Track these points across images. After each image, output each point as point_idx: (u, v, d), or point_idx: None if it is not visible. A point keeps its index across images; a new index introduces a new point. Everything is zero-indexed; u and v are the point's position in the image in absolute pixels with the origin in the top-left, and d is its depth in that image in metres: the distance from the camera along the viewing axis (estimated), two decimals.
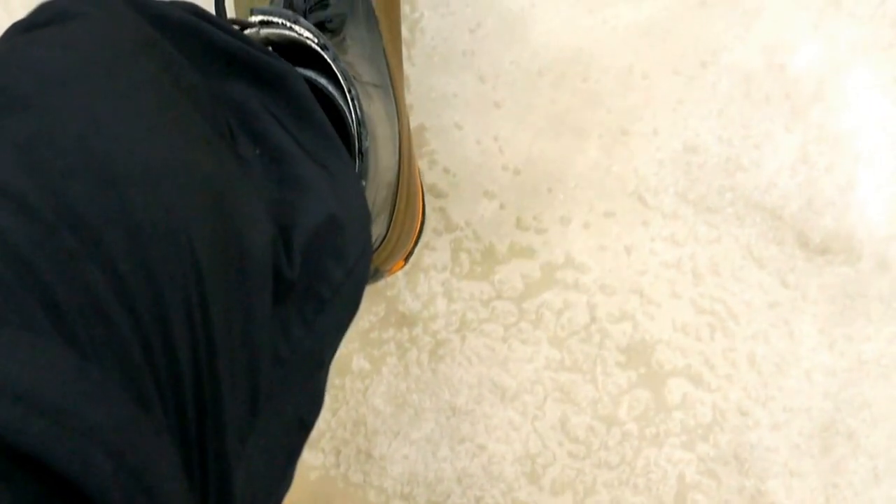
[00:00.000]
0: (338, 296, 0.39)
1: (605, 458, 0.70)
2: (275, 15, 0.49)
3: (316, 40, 0.49)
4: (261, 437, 0.34)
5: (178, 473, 0.28)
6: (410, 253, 0.67)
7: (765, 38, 0.65)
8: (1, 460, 0.24)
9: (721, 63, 0.66)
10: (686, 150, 0.67)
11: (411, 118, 0.69)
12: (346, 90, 0.49)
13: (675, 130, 0.67)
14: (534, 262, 0.70)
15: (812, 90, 0.65)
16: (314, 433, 0.75)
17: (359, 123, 0.49)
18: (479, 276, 0.71)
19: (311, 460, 0.75)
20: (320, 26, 0.54)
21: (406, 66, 0.69)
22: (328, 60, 0.49)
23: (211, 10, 0.45)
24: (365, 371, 0.73)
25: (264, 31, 0.49)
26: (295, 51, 0.50)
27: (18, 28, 0.34)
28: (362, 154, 0.50)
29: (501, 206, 0.70)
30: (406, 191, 0.60)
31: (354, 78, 0.52)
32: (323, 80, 0.52)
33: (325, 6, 0.55)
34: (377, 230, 0.55)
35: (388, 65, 0.59)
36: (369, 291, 0.73)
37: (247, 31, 0.48)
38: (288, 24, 0.49)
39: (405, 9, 0.69)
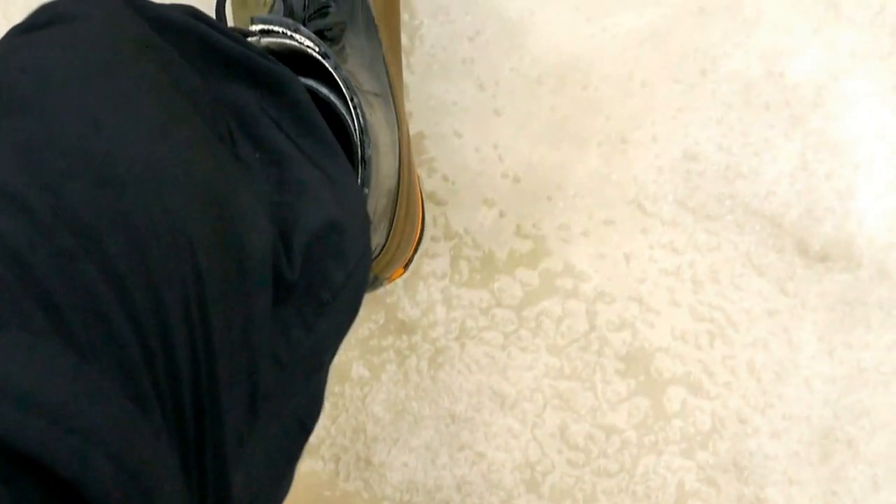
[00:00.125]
0: (338, 298, 0.39)
1: (604, 465, 0.70)
2: (275, 24, 0.49)
3: (317, 49, 0.49)
4: (260, 438, 0.34)
5: (177, 474, 0.28)
6: (410, 260, 0.67)
7: (764, 45, 0.65)
8: (0, 461, 0.24)
9: (721, 70, 0.66)
10: (685, 158, 0.67)
11: (411, 126, 0.69)
12: (348, 99, 0.49)
13: (674, 138, 0.67)
14: (533, 269, 0.70)
15: (811, 98, 0.65)
16: (313, 440, 0.75)
17: (361, 132, 0.49)
18: (479, 284, 0.71)
19: (311, 467, 0.74)
20: (320, 34, 0.54)
21: (405, 73, 0.69)
22: (329, 69, 0.49)
23: (211, 14, 0.45)
24: (364, 378, 0.73)
25: (265, 41, 0.49)
26: (296, 60, 0.50)
27: (18, 29, 0.34)
28: (365, 162, 0.49)
29: (501, 214, 0.70)
30: (406, 198, 0.60)
31: (356, 87, 0.52)
32: (324, 90, 0.52)
33: (325, 14, 0.55)
34: (377, 239, 0.55)
35: (387, 73, 0.59)
36: (368, 299, 0.73)
37: (248, 41, 0.48)
38: (289, 32, 0.49)
39: (405, 17, 0.69)
